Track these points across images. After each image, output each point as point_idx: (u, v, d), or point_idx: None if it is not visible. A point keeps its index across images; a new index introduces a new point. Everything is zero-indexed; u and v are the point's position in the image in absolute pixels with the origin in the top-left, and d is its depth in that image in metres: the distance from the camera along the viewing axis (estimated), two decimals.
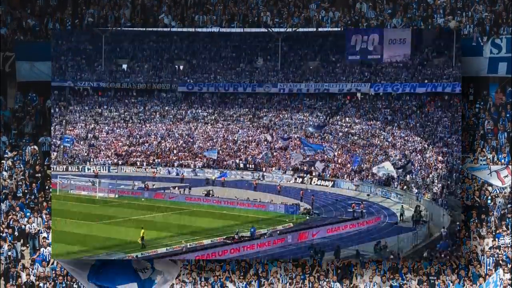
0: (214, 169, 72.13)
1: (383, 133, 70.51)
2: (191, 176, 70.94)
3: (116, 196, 57.14)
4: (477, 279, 26.71)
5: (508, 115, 31.78)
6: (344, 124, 75.26)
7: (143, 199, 55.90)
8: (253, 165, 72.84)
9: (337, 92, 79.77)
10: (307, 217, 48.22)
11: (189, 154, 76.46)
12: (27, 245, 28.84)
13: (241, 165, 73.33)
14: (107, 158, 76.43)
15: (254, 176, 70.21)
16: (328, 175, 66.71)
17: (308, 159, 65.31)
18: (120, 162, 75.69)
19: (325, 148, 66.26)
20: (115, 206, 52.54)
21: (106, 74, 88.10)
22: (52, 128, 76.32)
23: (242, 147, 76.54)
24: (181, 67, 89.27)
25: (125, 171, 73.94)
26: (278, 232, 41.36)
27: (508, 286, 26.36)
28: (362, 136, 71.62)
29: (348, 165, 66.37)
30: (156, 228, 40.09)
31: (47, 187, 30.88)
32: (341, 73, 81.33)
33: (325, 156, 67.73)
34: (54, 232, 34.68)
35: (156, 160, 75.58)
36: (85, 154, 76.96)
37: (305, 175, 67.18)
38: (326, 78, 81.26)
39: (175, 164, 74.98)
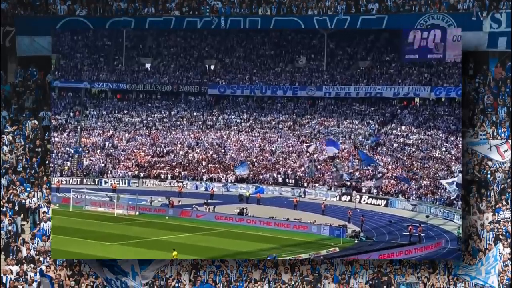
0: (249, 184, 72.32)
1: (446, 144, 69.87)
2: (222, 192, 71.23)
3: (137, 213, 57.64)
4: (477, 253, 29.75)
5: (507, 89, 35.09)
6: (399, 134, 74.82)
7: (167, 217, 56.27)
8: (293, 180, 72.82)
9: (391, 96, 79.46)
10: (356, 241, 48.01)
11: (220, 167, 76.80)
12: (27, 220, 31.91)
13: (280, 180, 73.38)
14: (127, 170, 77.19)
15: (295, 192, 70.18)
16: (381, 193, 66.35)
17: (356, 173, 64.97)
18: (141, 175, 76.41)
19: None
20: (136, 225, 52.97)
21: (127, 74, 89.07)
22: (62, 134, 77.42)
23: (281, 158, 76.58)
24: (212, 67, 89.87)
25: (147, 185, 74.64)
26: (321, 257, 41.18)
27: (508, 261, 28.94)
28: (420, 148, 71.07)
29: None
30: (181, 250, 40.27)
31: (47, 162, 34.22)
32: (397, 75, 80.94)
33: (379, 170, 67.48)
34: (65, 253, 35.10)
35: (182, 173, 76.10)
36: (102, 165, 77.86)
37: (353, 192, 66.90)
38: (379, 80, 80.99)
39: (204, 177, 75.37)
